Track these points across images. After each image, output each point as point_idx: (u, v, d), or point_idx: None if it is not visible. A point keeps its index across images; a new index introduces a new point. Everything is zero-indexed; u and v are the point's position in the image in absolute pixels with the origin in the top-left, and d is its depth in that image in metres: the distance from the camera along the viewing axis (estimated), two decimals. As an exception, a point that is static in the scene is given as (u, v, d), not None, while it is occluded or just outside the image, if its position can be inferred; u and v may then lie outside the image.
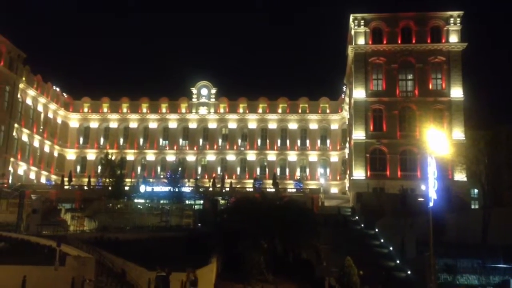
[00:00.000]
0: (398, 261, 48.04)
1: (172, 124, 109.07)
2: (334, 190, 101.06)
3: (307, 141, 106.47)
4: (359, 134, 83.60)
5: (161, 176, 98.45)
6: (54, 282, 30.29)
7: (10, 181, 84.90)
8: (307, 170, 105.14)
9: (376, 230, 58.48)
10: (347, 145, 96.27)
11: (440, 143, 33.27)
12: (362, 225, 62.48)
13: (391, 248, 51.55)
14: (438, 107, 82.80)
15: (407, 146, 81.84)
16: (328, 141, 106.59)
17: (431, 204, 31.80)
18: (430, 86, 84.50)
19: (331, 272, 38.52)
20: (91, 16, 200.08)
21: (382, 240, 55.03)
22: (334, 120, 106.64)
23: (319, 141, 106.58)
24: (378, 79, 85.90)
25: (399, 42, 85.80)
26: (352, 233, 57.17)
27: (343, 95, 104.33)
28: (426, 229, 32.75)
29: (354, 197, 77.31)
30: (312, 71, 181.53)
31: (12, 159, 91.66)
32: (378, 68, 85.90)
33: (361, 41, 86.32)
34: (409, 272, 44.87)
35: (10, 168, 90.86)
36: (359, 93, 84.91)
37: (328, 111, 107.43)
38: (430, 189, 31.92)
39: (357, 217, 67.44)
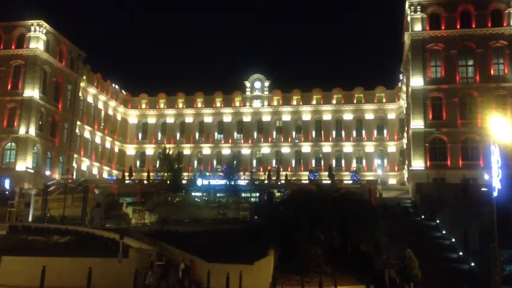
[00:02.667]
0: (461, 253, 46.51)
1: (227, 118, 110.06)
2: (392, 181, 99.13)
3: (363, 132, 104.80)
4: (417, 123, 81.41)
5: (217, 170, 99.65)
6: (118, 273, 31.28)
7: (74, 177, 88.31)
8: (364, 161, 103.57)
9: (437, 221, 56.82)
10: (405, 135, 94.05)
11: (503, 130, 31.88)
12: (423, 217, 60.91)
13: (453, 240, 49.96)
14: (500, 93, 79.54)
15: (469, 134, 79.09)
16: (385, 131, 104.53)
17: (495, 194, 30.58)
18: (492, 72, 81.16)
19: (391, 265, 37.81)
20: (146, 15, 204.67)
21: (443, 232, 53.42)
22: (390, 110, 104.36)
23: (375, 132, 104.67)
24: (437, 66, 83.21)
25: (458, 27, 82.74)
26: (412, 224, 55.77)
27: (399, 83, 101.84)
28: (490, 219, 31.55)
29: (413, 188, 75.49)
30: (367, 60, 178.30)
31: (75, 156, 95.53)
32: (436, 55, 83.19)
33: (418, 27, 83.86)
34: (472, 264, 43.39)
35: (74, 164, 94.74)
36: (416, 81, 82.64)
37: (384, 100, 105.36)
38: (494, 178, 30.64)
39: (417, 208, 65.86)
